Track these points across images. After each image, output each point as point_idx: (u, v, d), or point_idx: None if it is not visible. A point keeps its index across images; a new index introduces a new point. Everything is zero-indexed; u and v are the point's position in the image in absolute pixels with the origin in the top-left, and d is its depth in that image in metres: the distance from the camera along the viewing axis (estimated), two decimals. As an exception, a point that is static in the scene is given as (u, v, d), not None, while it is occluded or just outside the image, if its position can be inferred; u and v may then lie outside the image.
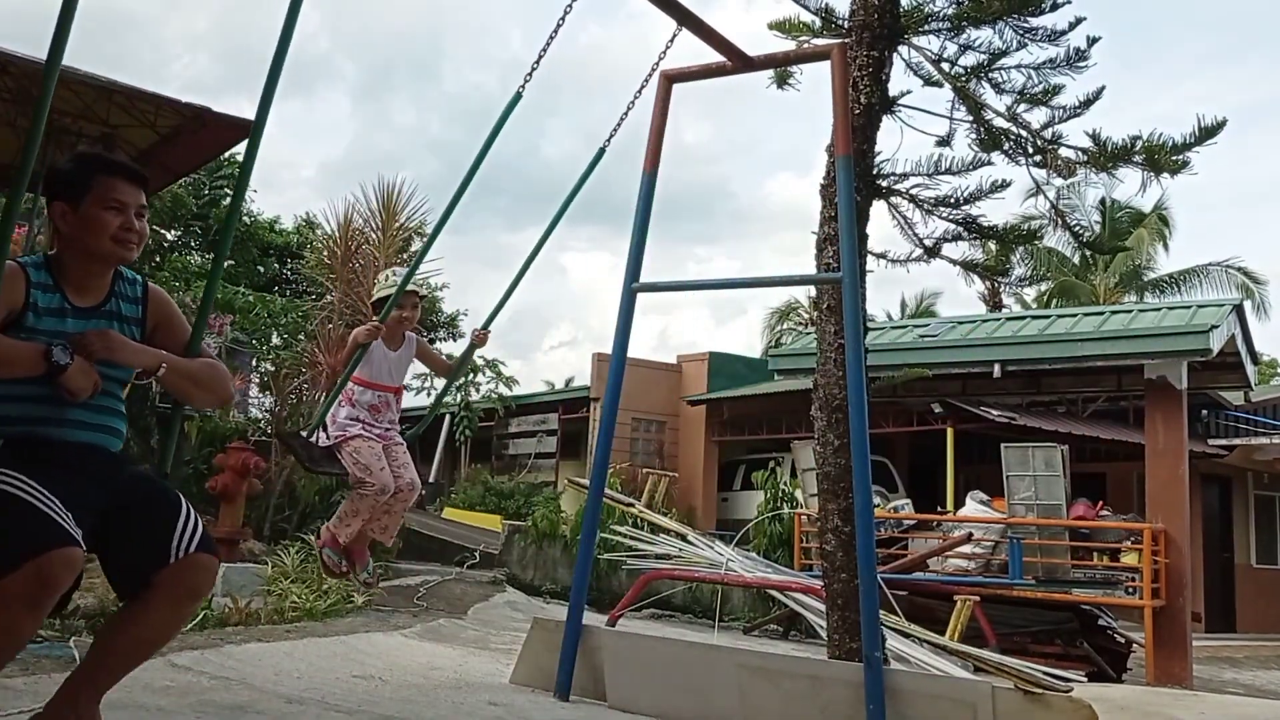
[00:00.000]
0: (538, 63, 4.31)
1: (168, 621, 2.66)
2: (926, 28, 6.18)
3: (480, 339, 4.96)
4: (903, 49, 6.11)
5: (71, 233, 2.68)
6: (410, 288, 4.72)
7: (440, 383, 5.78)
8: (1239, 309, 12.61)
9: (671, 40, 4.77)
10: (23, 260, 2.66)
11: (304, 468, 5.09)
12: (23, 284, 2.59)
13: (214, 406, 2.97)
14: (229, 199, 13.86)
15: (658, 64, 4.93)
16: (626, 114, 4.82)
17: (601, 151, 4.93)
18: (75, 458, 2.61)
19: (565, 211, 4.95)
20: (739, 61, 5.07)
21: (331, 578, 5.09)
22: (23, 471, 2.45)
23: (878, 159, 5.98)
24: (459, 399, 20.48)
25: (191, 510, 2.67)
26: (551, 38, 4.29)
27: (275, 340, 15.31)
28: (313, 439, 4.54)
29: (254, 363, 13.67)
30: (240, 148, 9.68)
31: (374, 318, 4.65)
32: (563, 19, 4.26)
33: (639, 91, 4.90)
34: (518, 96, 4.38)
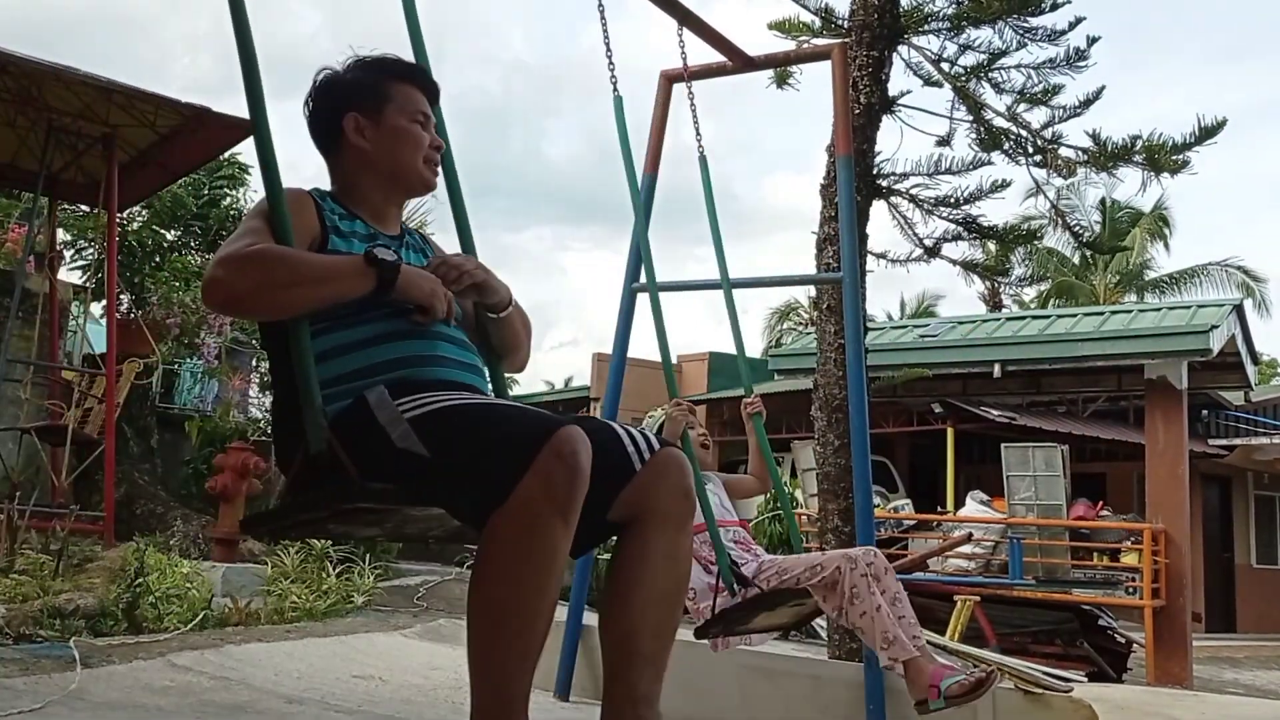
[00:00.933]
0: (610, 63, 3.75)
1: (677, 545, 1.98)
2: (926, 28, 6.18)
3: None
4: (902, 49, 6.12)
5: (375, 148, 2.15)
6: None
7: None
8: (1239, 309, 12.62)
9: (681, 43, 4.70)
10: (305, 189, 2.17)
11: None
12: (313, 208, 2.10)
13: (520, 367, 2.21)
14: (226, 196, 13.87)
15: (683, 69, 4.69)
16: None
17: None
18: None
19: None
20: (739, 61, 5.06)
21: None
22: None
23: (878, 159, 5.99)
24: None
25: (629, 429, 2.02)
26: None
27: (275, 340, 15.27)
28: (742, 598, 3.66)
29: (254, 363, 13.65)
30: (241, 148, 9.69)
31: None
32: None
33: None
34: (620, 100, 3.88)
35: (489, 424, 1.80)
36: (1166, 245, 24.88)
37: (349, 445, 1.88)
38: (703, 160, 4.47)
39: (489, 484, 1.71)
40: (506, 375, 2.32)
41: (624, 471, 1.90)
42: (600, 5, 3.50)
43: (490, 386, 2.19)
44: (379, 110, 2.15)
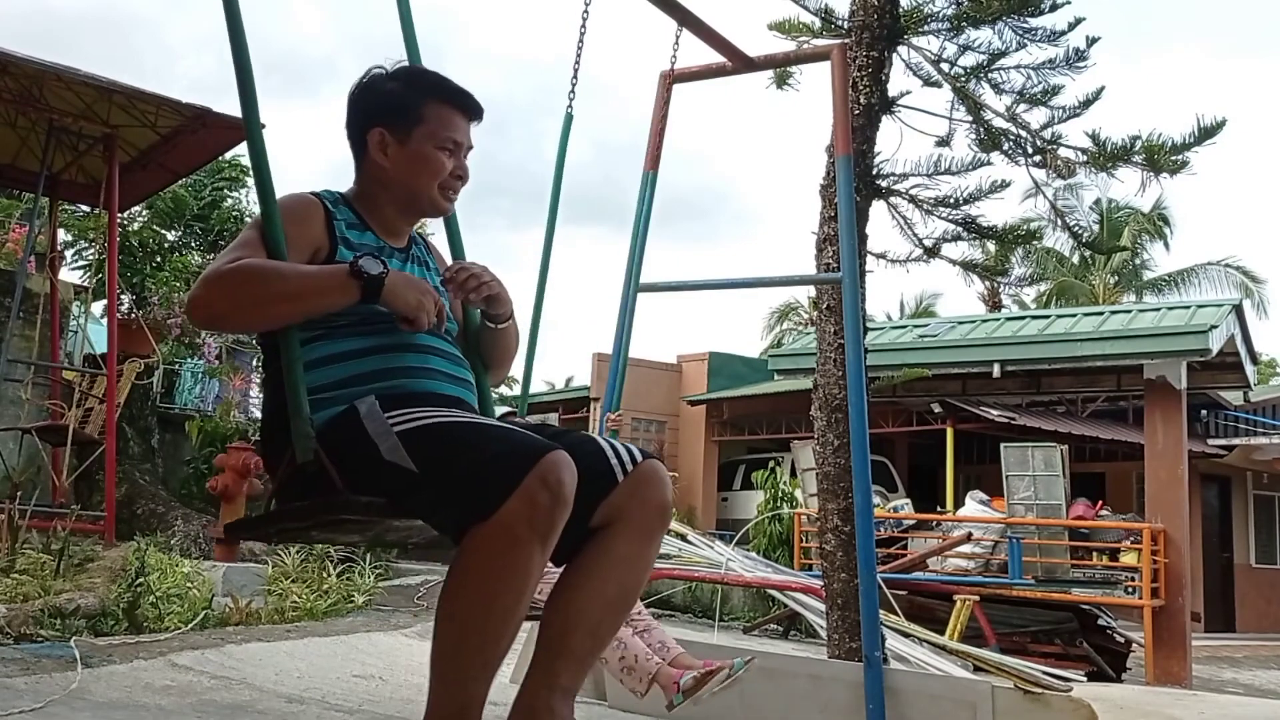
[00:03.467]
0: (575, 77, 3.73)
1: (641, 555, 1.99)
2: (926, 28, 6.18)
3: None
4: (902, 49, 6.11)
5: (394, 169, 2.15)
6: None
7: None
8: (1238, 309, 12.62)
9: (676, 43, 4.72)
10: (318, 192, 2.16)
11: None
12: (323, 218, 2.09)
13: (502, 378, 2.23)
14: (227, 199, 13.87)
15: (685, 69, 4.67)
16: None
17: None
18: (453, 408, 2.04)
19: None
20: (739, 62, 5.07)
21: None
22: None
23: (877, 159, 5.99)
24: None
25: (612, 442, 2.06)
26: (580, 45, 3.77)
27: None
28: None
29: (254, 363, 13.66)
30: (242, 148, 9.70)
31: None
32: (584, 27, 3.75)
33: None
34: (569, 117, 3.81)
35: (478, 443, 1.81)
36: (1166, 244, 24.91)
37: (336, 454, 1.89)
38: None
39: (474, 503, 1.73)
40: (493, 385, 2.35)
41: (606, 482, 1.92)
42: (584, 15, 3.46)
43: (478, 401, 2.20)
44: (408, 130, 2.14)
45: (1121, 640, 10.35)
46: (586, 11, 3.44)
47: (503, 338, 2.25)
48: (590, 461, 1.89)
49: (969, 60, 6.23)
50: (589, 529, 1.93)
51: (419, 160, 2.14)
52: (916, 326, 15.22)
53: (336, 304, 1.95)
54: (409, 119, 2.14)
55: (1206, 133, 5.95)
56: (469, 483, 1.75)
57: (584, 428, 18.69)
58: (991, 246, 7.42)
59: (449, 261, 2.35)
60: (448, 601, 1.76)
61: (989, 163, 6.32)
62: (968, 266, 6.77)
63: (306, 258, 2.02)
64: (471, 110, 2.24)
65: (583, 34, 3.44)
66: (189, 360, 12.03)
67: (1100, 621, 10.35)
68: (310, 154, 64.90)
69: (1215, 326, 11.15)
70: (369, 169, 2.18)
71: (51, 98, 7.05)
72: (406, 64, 2.31)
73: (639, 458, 1.98)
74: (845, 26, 6.09)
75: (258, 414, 12.67)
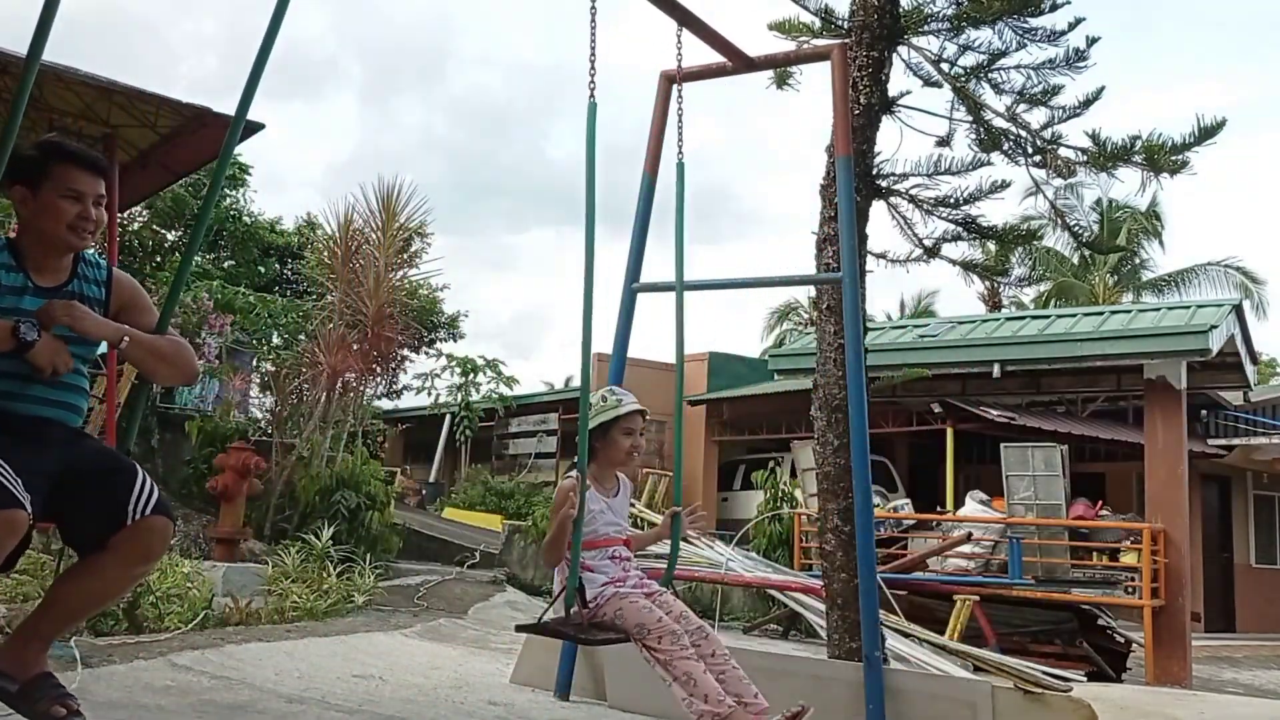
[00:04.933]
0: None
1: (119, 580, 2.76)
2: (926, 28, 6.18)
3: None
4: (902, 49, 6.11)
5: (30, 217, 2.75)
6: (635, 405, 3.68)
7: None
8: (1238, 309, 12.61)
9: (679, 42, 4.70)
10: None
11: (581, 642, 3.95)
12: None
13: (179, 383, 3.09)
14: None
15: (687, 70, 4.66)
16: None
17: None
18: (33, 429, 2.66)
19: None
20: (739, 62, 5.07)
21: None
22: None
23: (877, 159, 5.99)
24: (459, 399, 20.48)
25: (148, 478, 2.71)
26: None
27: (276, 340, 15.31)
28: (571, 616, 3.48)
29: (254, 363, 13.67)
30: (242, 148, 9.70)
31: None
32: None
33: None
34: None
35: None
36: (1161, 242, 24.91)
37: None
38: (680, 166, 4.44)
39: None
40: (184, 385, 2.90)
41: (122, 516, 2.60)
42: (592, 9, 3.48)
43: (80, 419, 2.82)
44: (37, 186, 2.74)
45: (1121, 640, 10.35)
46: (594, 8, 3.48)
47: (129, 358, 2.84)
48: (116, 497, 2.61)
49: (969, 60, 6.23)
50: (102, 544, 2.62)
51: (46, 208, 2.73)
52: (916, 326, 15.21)
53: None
54: (38, 176, 2.74)
55: (1207, 132, 5.95)
56: None
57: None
58: (991, 246, 7.40)
59: (134, 294, 2.94)
60: None
61: (989, 163, 6.32)
62: (968, 266, 6.77)
63: None
64: (91, 164, 2.84)
65: (594, 29, 3.52)
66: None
67: (1100, 621, 10.35)
68: (311, 154, 64.93)
69: (1215, 326, 11.15)
70: (18, 220, 2.81)
71: (51, 97, 7.04)
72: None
73: (149, 510, 2.62)
74: (845, 26, 6.09)
75: (257, 414, 12.71)
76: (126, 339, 2.75)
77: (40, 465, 2.58)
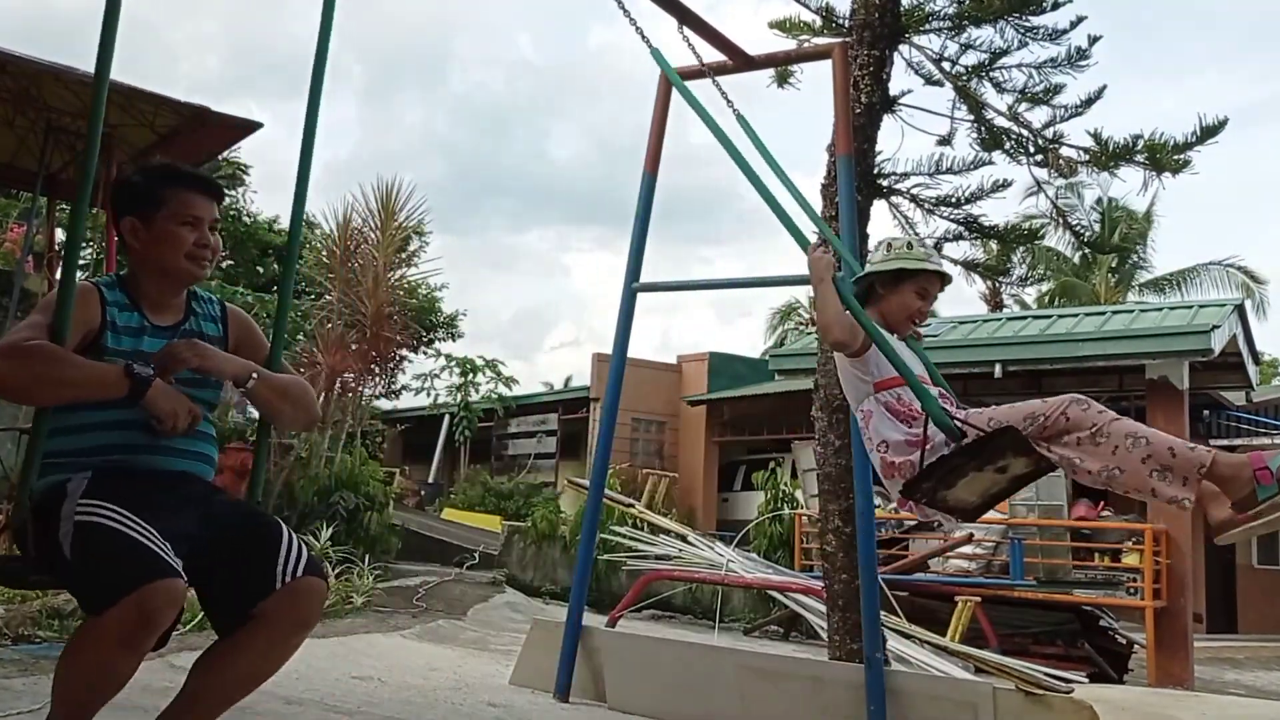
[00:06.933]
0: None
1: (272, 655, 2.37)
2: (927, 27, 6.16)
3: None
4: (903, 48, 6.09)
5: (145, 249, 2.51)
6: (940, 267, 3.13)
7: None
8: (1240, 309, 12.59)
9: (687, 42, 4.66)
10: (96, 280, 2.52)
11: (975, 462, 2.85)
12: (98, 303, 2.43)
13: (301, 427, 2.75)
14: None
15: (689, 68, 4.67)
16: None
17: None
18: (169, 487, 2.39)
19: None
20: (740, 60, 5.05)
21: None
22: (115, 503, 2.22)
23: (878, 158, 5.97)
24: (458, 399, 20.47)
25: (293, 535, 2.43)
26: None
27: (275, 340, 15.30)
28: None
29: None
30: (241, 148, 9.68)
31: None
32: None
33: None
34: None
35: (107, 555, 2.15)
36: (1147, 243, 24.86)
37: (39, 519, 2.28)
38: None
39: (91, 601, 2.17)
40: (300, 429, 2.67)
41: (269, 583, 2.29)
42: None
43: (214, 471, 2.58)
44: (151, 215, 2.50)
45: (1123, 641, 10.32)
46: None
47: (255, 398, 2.58)
48: (262, 559, 2.32)
49: (971, 59, 6.21)
50: (250, 612, 2.29)
51: (164, 238, 2.50)
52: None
53: (109, 396, 2.30)
54: (151, 204, 2.51)
55: (1208, 132, 5.93)
56: (91, 583, 2.18)
57: (584, 427, 18.67)
58: (993, 246, 7.38)
59: (249, 329, 2.75)
60: (65, 658, 2.20)
61: (990, 162, 6.30)
62: (969, 266, 6.75)
63: (81, 335, 2.36)
64: (206, 187, 2.61)
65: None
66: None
67: (1102, 623, 10.32)
68: (316, 155, 64.88)
69: (1217, 326, 11.11)
70: (130, 254, 2.56)
71: (49, 97, 7.02)
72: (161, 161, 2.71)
73: (300, 572, 2.32)
74: (846, 25, 6.07)
75: (257, 414, 12.70)
76: (254, 378, 2.51)
77: (182, 528, 2.30)
